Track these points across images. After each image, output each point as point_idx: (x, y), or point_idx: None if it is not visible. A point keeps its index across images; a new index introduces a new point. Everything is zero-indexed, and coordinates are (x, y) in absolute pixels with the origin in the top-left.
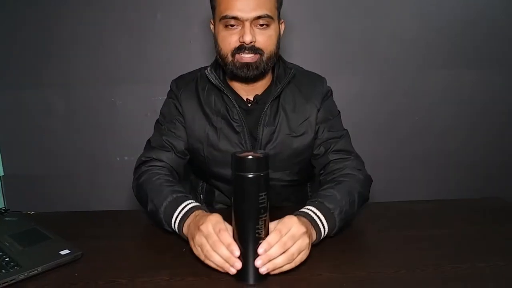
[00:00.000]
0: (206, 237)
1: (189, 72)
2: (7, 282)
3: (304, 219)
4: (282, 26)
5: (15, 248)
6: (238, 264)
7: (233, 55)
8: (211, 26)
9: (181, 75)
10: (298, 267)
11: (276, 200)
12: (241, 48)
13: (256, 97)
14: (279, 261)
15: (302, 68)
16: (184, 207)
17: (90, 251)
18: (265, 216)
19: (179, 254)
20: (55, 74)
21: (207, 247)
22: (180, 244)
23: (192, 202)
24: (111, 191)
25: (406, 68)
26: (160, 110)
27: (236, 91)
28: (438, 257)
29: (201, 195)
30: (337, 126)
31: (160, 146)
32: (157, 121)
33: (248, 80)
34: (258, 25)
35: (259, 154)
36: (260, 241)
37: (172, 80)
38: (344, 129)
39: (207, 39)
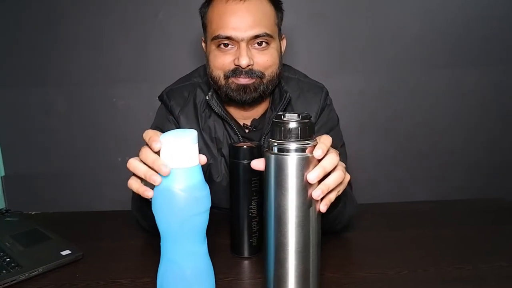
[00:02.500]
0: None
1: (180, 85)
2: (7, 282)
3: None
4: (284, 43)
5: (16, 248)
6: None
7: (226, 77)
8: (203, 45)
9: (171, 89)
10: None
11: None
12: (236, 72)
13: (253, 122)
14: (331, 180)
15: (299, 77)
16: None
17: (91, 252)
18: (257, 199)
19: None
20: (56, 74)
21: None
22: None
23: None
24: (112, 191)
25: (409, 66)
26: (152, 126)
27: (232, 115)
28: (440, 258)
29: None
30: (334, 141)
31: None
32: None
33: (245, 104)
34: (256, 45)
35: (252, 144)
36: (253, 220)
37: (164, 95)
38: (342, 143)
39: None
